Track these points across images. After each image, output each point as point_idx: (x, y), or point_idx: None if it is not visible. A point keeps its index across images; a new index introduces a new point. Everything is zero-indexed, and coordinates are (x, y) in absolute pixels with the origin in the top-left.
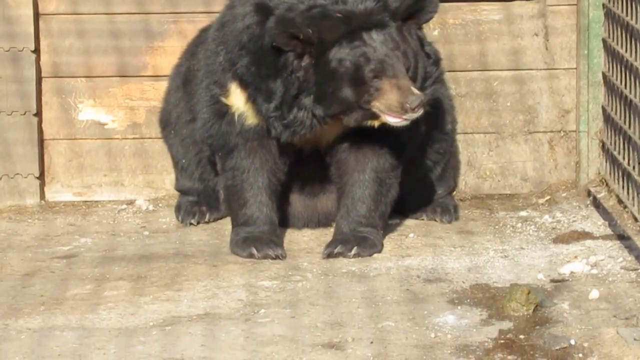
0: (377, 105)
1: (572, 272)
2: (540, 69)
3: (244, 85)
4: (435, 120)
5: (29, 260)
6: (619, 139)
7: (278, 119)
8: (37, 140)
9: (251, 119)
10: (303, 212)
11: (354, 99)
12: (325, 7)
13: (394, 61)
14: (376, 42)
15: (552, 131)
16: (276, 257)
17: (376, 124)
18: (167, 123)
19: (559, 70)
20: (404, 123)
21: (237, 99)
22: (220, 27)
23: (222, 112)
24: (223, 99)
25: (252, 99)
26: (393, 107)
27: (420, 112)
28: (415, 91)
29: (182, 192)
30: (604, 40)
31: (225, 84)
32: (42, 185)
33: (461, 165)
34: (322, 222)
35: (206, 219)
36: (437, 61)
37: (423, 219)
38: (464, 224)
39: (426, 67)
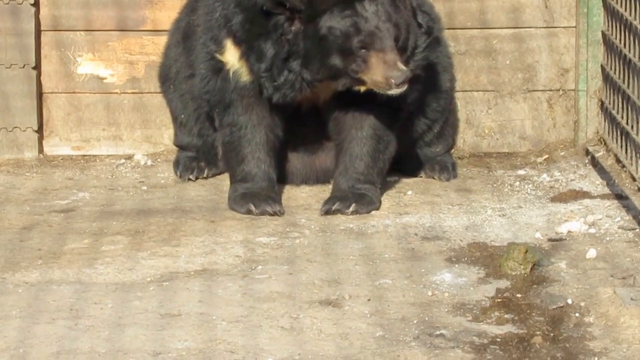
0: (363, 77)
1: (569, 231)
2: (540, 27)
3: (238, 42)
4: (433, 79)
5: (26, 213)
6: (618, 98)
7: (269, 79)
8: (35, 93)
9: (245, 77)
10: (301, 168)
11: (341, 67)
12: None
13: (384, 34)
14: (368, 12)
15: (551, 90)
16: (274, 214)
17: (362, 89)
18: (166, 78)
19: (559, 29)
20: (388, 95)
21: (231, 55)
22: None
23: (218, 68)
24: (218, 56)
25: (245, 57)
26: (378, 81)
27: (404, 88)
28: (401, 67)
29: (181, 147)
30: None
31: (220, 41)
32: (41, 139)
33: (460, 123)
34: (320, 178)
35: (204, 175)
36: (429, 29)
37: (421, 177)
38: (462, 182)
39: (417, 37)
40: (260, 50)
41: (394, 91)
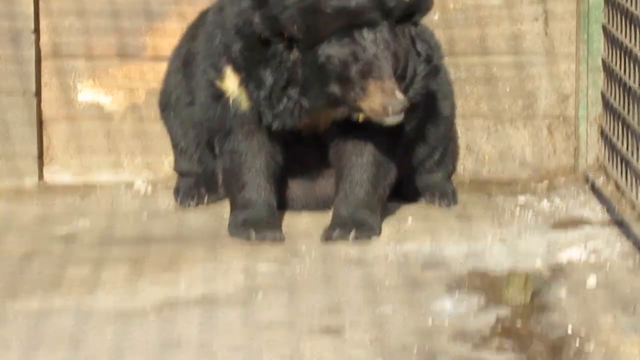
0: (361, 105)
1: (570, 259)
2: (540, 54)
3: (237, 69)
4: (433, 106)
5: (27, 241)
6: (618, 125)
7: (268, 107)
8: (36, 120)
9: (245, 104)
10: (302, 195)
11: (339, 95)
12: (318, 0)
13: (382, 62)
14: (366, 40)
15: (551, 116)
16: (274, 241)
17: (360, 117)
18: (166, 105)
19: (559, 56)
20: (385, 123)
21: (231, 83)
22: (218, 10)
23: (218, 95)
24: (218, 83)
25: (244, 84)
26: (375, 109)
27: (401, 116)
28: (399, 95)
29: (181, 174)
30: (603, 26)
31: (220, 68)
32: (41, 166)
33: (460, 150)
34: (321, 205)
35: (205, 201)
36: (428, 57)
37: (421, 203)
38: (462, 208)
39: (416, 65)
40: (259, 77)
41: (391, 119)
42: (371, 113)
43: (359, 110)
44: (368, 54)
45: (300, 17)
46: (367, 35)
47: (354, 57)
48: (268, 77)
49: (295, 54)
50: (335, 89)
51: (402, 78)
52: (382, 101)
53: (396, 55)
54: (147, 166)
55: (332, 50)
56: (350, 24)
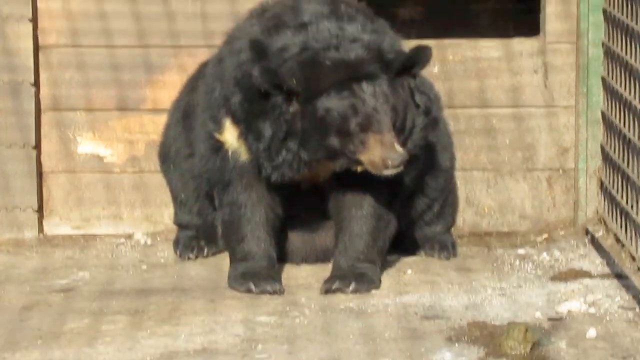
0: (360, 158)
1: (569, 311)
2: (540, 107)
3: (237, 121)
4: (432, 158)
5: (27, 293)
6: (618, 177)
7: (267, 159)
8: (35, 173)
9: (244, 156)
10: (301, 247)
11: (338, 148)
12: (317, 52)
13: (382, 116)
14: (366, 93)
15: (550, 169)
16: (274, 293)
17: (359, 169)
18: (166, 157)
19: (558, 108)
20: (384, 175)
21: (230, 135)
22: (217, 62)
23: (217, 147)
24: (217, 135)
25: (244, 136)
26: (375, 162)
27: (400, 169)
28: (398, 148)
29: (181, 226)
30: (603, 79)
31: (219, 120)
32: (41, 219)
33: (460, 202)
34: (320, 257)
35: (204, 254)
36: (427, 109)
37: (421, 255)
38: (462, 261)
39: (415, 117)
40: (259, 129)
41: (390, 172)
42: (370, 166)
43: (358, 162)
44: (367, 107)
45: (299, 70)
46: (366, 88)
47: (354, 111)
48: (267, 129)
49: (294, 107)
50: (334, 141)
51: (401, 131)
52: (382, 154)
53: (395, 108)
54: (147, 218)
55: (332, 103)
56: (349, 76)
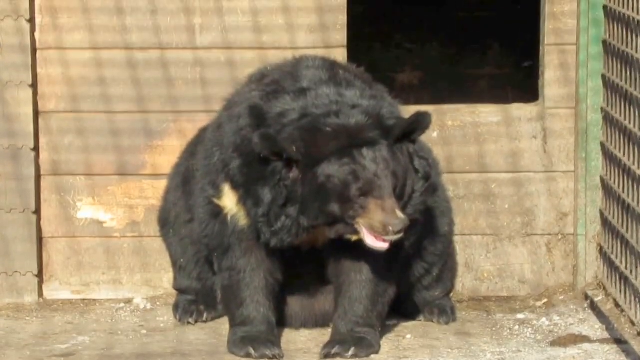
0: (360, 222)
1: None
2: (539, 172)
3: (236, 187)
4: (431, 223)
5: (27, 358)
6: (617, 242)
7: (266, 224)
8: (35, 238)
9: (243, 221)
10: (300, 312)
11: (339, 214)
12: (317, 118)
13: (382, 181)
14: (366, 159)
15: (550, 234)
16: (273, 357)
17: (354, 238)
18: (165, 222)
19: (557, 173)
20: (381, 248)
21: (229, 200)
22: (216, 128)
23: (216, 212)
24: (216, 200)
25: (242, 201)
26: (375, 227)
27: (401, 235)
28: (400, 215)
29: (180, 291)
30: (602, 144)
31: (218, 185)
32: (41, 283)
33: (459, 267)
34: (319, 322)
35: (204, 318)
36: (426, 175)
37: (420, 320)
38: (461, 325)
39: (414, 182)
40: (258, 195)
41: (390, 237)
42: (370, 230)
43: (355, 230)
44: (368, 173)
45: (299, 137)
46: (367, 154)
47: (354, 177)
48: (267, 195)
49: (294, 173)
50: (334, 207)
51: (401, 196)
52: (383, 220)
53: (395, 174)
54: (147, 283)
55: (332, 170)
56: (349, 143)
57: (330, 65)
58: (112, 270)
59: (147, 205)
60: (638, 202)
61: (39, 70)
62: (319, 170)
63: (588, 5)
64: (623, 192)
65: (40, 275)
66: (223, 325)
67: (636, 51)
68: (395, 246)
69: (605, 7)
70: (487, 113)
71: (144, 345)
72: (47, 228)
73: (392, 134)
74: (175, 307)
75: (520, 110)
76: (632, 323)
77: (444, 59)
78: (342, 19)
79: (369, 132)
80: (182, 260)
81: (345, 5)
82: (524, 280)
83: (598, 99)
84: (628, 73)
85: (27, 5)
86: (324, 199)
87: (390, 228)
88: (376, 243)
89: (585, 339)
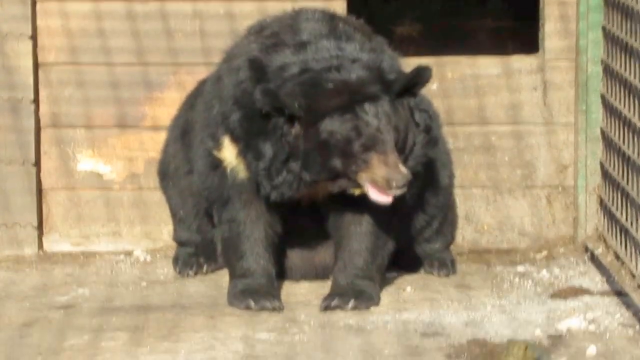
0: (363, 177)
1: (569, 328)
2: (539, 124)
3: (236, 139)
4: (432, 175)
5: (26, 310)
6: (617, 195)
7: (266, 178)
8: (35, 190)
9: (243, 174)
10: (300, 264)
11: (341, 169)
12: (318, 73)
13: (385, 136)
14: (368, 115)
15: (550, 186)
16: (273, 309)
17: (357, 192)
18: (165, 174)
19: (557, 126)
20: (385, 202)
21: (229, 153)
22: (216, 80)
23: (216, 165)
24: (215, 152)
25: (243, 154)
26: (378, 182)
27: (404, 190)
28: (402, 169)
29: (180, 243)
30: (602, 96)
31: (218, 138)
32: (40, 235)
33: (459, 220)
34: (319, 274)
35: (204, 271)
36: (427, 127)
37: (420, 273)
38: (461, 278)
39: (415, 135)
40: (259, 149)
41: (393, 192)
42: (373, 185)
43: (358, 184)
44: (371, 128)
45: (301, 93)
46: (368, 109)
47: (357, 132)
48: (268, 150)
49: (296, 128)
50: (337, 163)
51: (402, 149)
52: (386, 175)
53: (397, 128)
54: (146, 235)
55: (334, 126)
56: (351, 98)
57: (330, 18)
58: (111, 223)
59: (147, 158)
60: (638, 154)
61: (38, 22)
62: (321, 126)
63: None
64: (623, 144)
65: (40, 227)
66: (223, 277)
67: (637, 2)
68: (396, 199)
69: None
70: (487, 65)
71: (143, 297)
72: (46, 180)
73: (393, 88)
74: (175, 260)
75: (520, 62)
76: (633, 275)
77: (444, 11)
78: None
79: (370, 87)
80: (181, 212)
81: None
82: (524, 232)
83: (598, 51)
84: (628, 25)
85: None
86: (327, 155)
87: (394, 182)
88: (380, 197)
89: (585, 291)
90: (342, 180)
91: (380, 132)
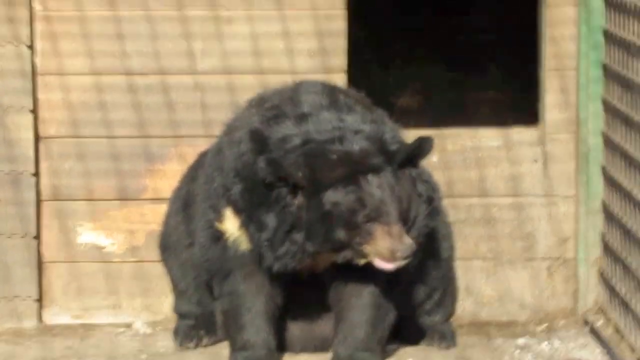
0: (367, 249)
1: None
2: (539, 196)
3: (238, 211)
4: (432, 247)
5: None
6: (618, 267)
7: (269, 249)
8: (36, 262)
9: (245, 245)
10: (300, 336)
11: (345, 240)
12: (321, 144)
13: (389, 207)
14: (372, 186)
15: (550, 258)
16: None
17: (362, 262)
18: (166, 246)
19: (558, 198)
20: (390, 269)
21: (231, 224)
22: (217, 152)
23: (217, 236)
24: (217, 224)
25: (245, 226)
26: (383, 253)
27: (409, 260)
28: (407, 240)
29: (181, 315)
30: (603, 168)
31: (219, 210)
32: (41, 308)
33: (459, 291)
34: (319, 347)
35: (204, 343)
36: (429, 198)
37: (421, 345)
38: (461, 350)
39: (418, 206)
40: (261, 220)
41: (397, 263)
42: (378, 257)
43: (363, 255)
44: (375, 199)
45: (305, 163)
46: (372, 180)
47: (361, 204)
48: (271, 221)
49: (299, 199)
50: (341, 234)
51: (405, 220)
52: (390, 246)
53: (400, 200)
54: (147, 308)
55: (338, 197)
56: (355, 169)
57: (330, 90)
58: (112, 295)
59: (148, 230)
60: (639, 227)
61: (39, 95)
62: (325, 197)
63: (588, 29)
64: (624, 216)
65: (40, 300)
66: (223, 349)
67: (637, 75)
68: (396, 270)
69: (605, 31)
70: (488, 137)
71: None
72: (47, 253)
73: (395, 159)
74: (175, 332)
75: (520, 134)
76: (633, 349)
77: (444, 83)
78: (342, 43)
79: (373, 158)
80: (182, 284)
81: (345, 30)
82: (524, 304)
83: (599, 123)
84: (629, 97)
85: (27, 31)
86: (330, 226)
87: (398, 254)
88: (384, 265)
89: None
90: (347, 251)
91: (384, 203)
